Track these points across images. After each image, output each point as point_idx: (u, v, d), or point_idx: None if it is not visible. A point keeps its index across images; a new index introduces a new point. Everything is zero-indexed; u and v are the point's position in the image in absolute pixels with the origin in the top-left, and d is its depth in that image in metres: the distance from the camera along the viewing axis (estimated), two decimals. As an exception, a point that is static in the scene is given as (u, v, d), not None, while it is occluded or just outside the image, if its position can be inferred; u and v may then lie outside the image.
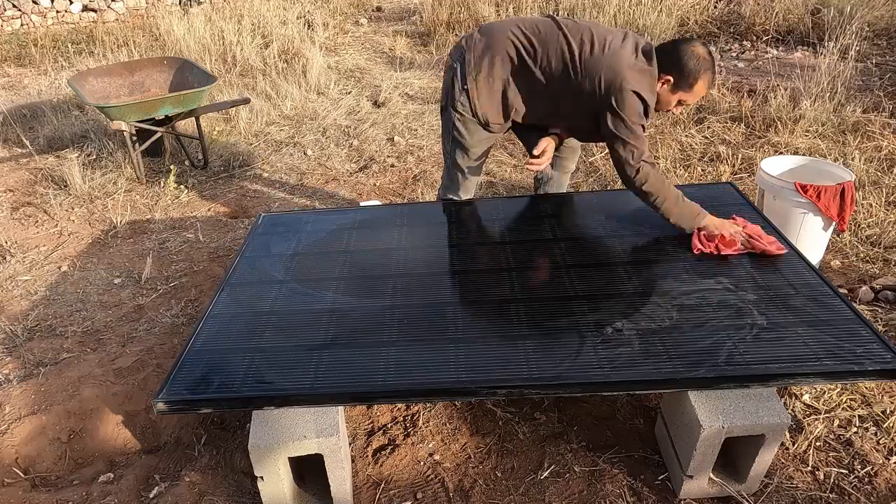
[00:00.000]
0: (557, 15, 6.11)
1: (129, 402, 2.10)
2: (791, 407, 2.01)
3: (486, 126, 2.36)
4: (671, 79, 2.14)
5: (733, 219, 2.21)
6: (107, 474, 1.90)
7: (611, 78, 2.10)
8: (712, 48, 2.06)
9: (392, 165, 3.99)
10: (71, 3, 7.11)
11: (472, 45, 2.28)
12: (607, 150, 3.79)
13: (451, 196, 2.61)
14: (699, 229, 2.17)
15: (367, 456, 1.93)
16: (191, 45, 5.76)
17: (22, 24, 6.98)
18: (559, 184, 2.71)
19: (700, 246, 2.14)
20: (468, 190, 2.58)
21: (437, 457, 1.92)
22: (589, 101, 2.17)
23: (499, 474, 1.85)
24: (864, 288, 2.52)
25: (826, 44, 5.11)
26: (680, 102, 2.21)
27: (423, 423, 2.03)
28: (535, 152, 2.33)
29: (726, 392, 1.64)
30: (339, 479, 1.68)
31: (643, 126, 2.15)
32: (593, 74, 2.13)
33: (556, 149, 2.46)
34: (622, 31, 2.22)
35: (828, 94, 4.20)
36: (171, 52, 5.81)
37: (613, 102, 2.11)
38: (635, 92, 2.10)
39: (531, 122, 2.38)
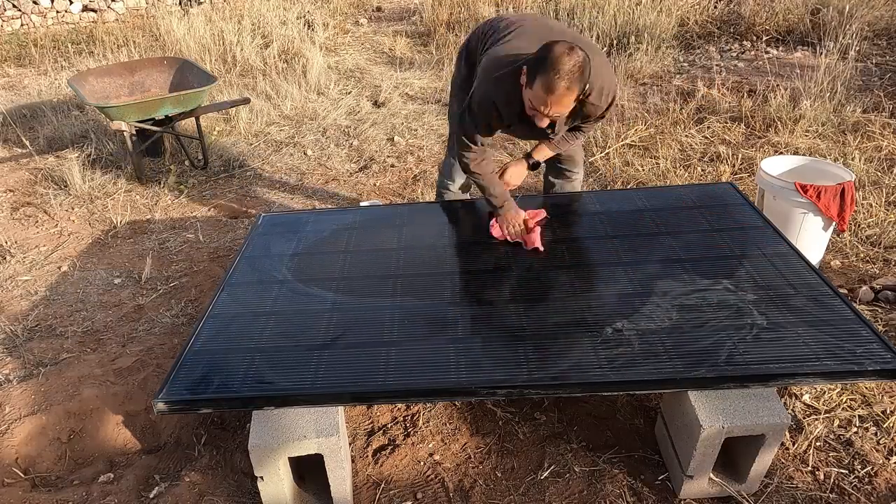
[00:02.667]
0: (557, 15, 6.12)
1: (129, 402, 2.10)
2: (791, 407, 2.02)
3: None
4: (525, 69, 1.86)
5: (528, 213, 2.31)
6: (107, 474, 1.90)
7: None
8: (589, 63, 1.79)
9: (392, 165, 3.99)
10: (71, 3, 7.11)
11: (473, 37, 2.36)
12: (607, 150, 3.84)
13: (446, 181, 2.68)
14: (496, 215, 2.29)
15: (367, 456, 1.93)
16: (191, 45, 5.77)
17: (22, 24, 6.98)
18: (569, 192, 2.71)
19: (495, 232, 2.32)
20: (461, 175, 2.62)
21: (437, 457, 1.92)
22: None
23: (499, 474, 1.85)
24: (864, 288, 2.52)
25: (826, 44, 5.12)
26: (531, 105, 1.89)
27: (423, 423, 2.03)
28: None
29: (726, 392, 1.64)
30: (339, 479, 1.68)
31: (484, 127, 2.11)
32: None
33: (558, 160, 2.54)
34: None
35: (828, 94, 4.20)
36: (171, 52, 5.81)
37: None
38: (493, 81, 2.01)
39: None
